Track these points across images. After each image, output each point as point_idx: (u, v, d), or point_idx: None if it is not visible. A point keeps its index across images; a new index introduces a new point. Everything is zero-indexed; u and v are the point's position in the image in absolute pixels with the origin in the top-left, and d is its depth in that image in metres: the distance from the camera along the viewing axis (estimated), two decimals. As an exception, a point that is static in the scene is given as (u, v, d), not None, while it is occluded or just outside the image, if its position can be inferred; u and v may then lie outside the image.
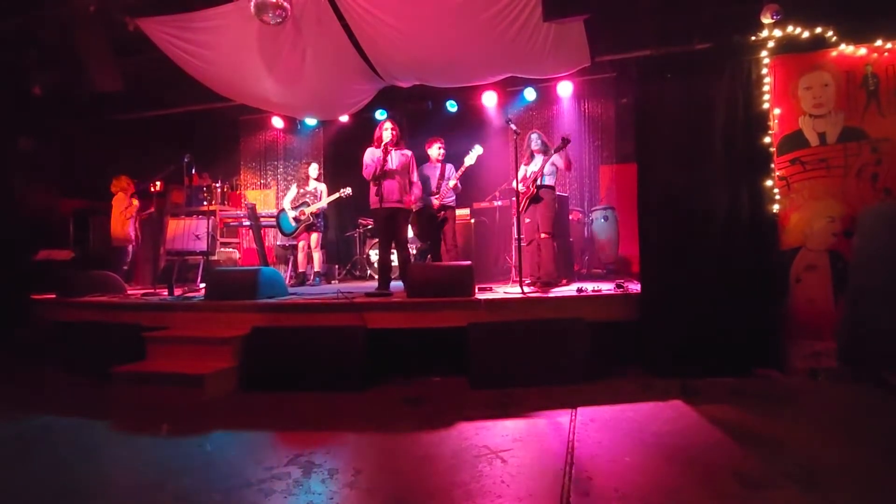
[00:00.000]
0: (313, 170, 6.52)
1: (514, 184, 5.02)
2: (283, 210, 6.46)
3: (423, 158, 5.35)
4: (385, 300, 3.99)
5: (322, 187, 6.36)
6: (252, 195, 8.61)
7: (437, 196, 5.25)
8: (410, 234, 5.45)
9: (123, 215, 6.42)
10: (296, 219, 6.28)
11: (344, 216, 8.04)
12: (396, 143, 4.76)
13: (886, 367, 3.14)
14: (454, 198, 5.29)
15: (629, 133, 6.90)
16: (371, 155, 4.66)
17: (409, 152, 4.82)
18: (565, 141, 4.67)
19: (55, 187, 6.89)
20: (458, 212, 5.71)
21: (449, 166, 5.30)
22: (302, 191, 6.37)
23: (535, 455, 2.34)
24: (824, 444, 2.40)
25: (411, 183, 4.79)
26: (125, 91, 5.54)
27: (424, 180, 5.20)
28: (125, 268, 6.52)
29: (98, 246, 6.48)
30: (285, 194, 8.43)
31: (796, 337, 3.58)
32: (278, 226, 6.55)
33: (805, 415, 2.87)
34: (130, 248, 6.58)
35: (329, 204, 6.36)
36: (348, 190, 6.20)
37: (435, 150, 5.34)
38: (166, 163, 6.95)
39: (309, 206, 6.24)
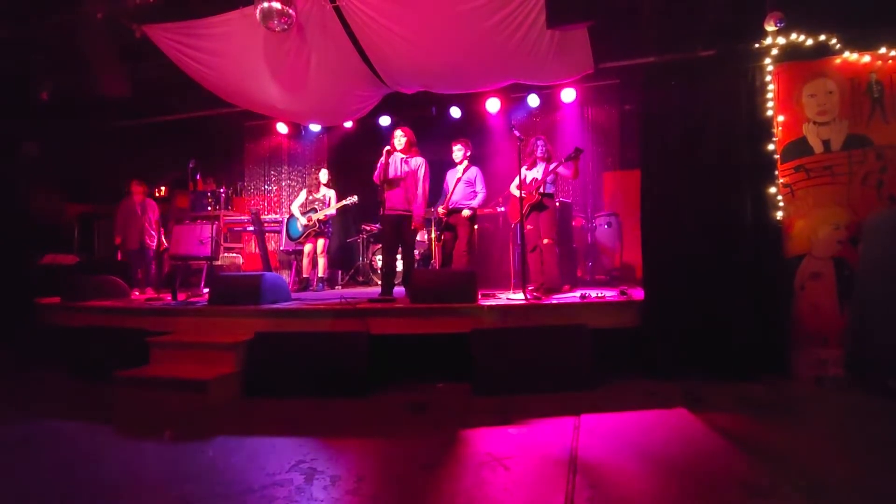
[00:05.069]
0: (323, 175, 6.52)
1: (513, 187, 5.02)
2: (291, 215, 6.48)
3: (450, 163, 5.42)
4: (388, 306, 3.99)
5: (331, 193, 6.37)
6: (255, 201, 8.66)
7: (442, 204, 5.27)
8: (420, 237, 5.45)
9: (147, 218, 6.41)
10: (304, 225, 6.29)
11: (347, 222, 8.06)
12: (409, 150, 4.77)
13: (893, 376, 3.11)
14: (471, 203, 5.16)
15: (632, 140, 6.91)
16: (380, 161, 4.68)
17: (420, 159, 4.81)
18: (578, 151, 4.63)
19: (61, 192, 6.94)
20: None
21: (472, 169, 5.26)
22: (311, 197, 6.38)
23: (539, 462, 2.33)
24: (830, 454, 2.38)
25: (417, 190, 4.75)
26: (131, 97, 5.58)
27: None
28: (146, 271, 6.50)
29: (122, 250, 6.44)
30: (292, 199, 8.52)
31: (802, 345, 3.56)
32: (286, 230, 6.56)
33: (811, 423, 2.84)
34: (151, 252, 6.55)
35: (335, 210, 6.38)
36: (354, 198, 6.21)
37: (455, 153, 5.33)
38: (171, 168, 7.01)
39: (317, 212, 6.26)
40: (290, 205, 8.38)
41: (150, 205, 6.54)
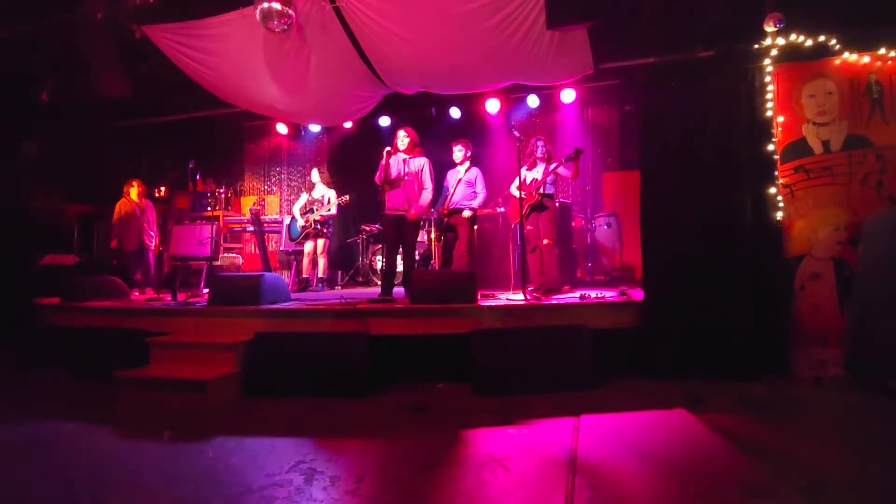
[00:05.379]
0: (314, 175, 6.54)
1: (513, 188, 5.02)
2: (293, 217, 6.50)
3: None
4: (388, 306, 3.99)
5: (330, 193, 6.37)
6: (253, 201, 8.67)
7: (442, 205, 5.28)
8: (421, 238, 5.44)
9: (145, 218, 6.38)
10: (301, 226, 6.31)
11: (347, 222, 8.05)
12: (411, 151, 4.78)
13: (893, 376, 3.11)
14: (472, 204, 5.15)
15: (632, 140, 6.91)
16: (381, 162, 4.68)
17: (423, 159, 4.81)
18: (578, 152, 4.63)
19: (61, 192, 6.93)
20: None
21: (473, 170, 5.27)
22: (310, 198, 6.39)
23: (538, 463, 2.33)
24: (830, 454, 2.38)
25: (421, 189, 4.77)
26: (131, 97, 5.58)
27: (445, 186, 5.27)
28: (145, 272, 6.48)
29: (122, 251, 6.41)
30: (289, 200, 8.54)
31: (801, 345, 3.56)
32: (288, 231, 6.59)
33: (811, 424, 2.84)
34: (151, 252, 6.51)
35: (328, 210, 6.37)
36: (346, 197, 6.22)
37: (456, 154, 5.34)
38: (171, 168, 6.99)
39: (314, 213, 6.27)
40: (289, 205, 8.42)
41: (148, 205, 6.52)
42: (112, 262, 6.29)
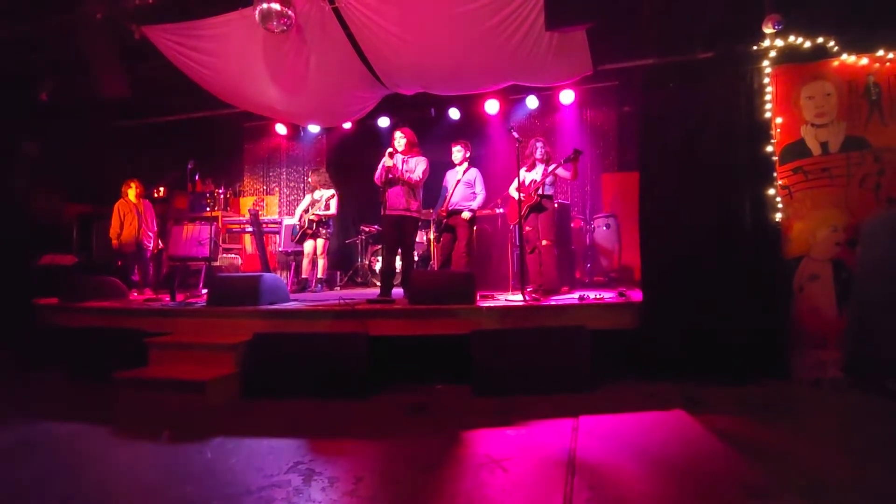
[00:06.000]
0: (311, 177, 6.59)
1: (512, 189, 5.03)
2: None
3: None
4: (387, 307, 3.99)
5: (328, 194, 6.37)
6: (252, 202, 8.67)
7: (442, 206, 5.28)
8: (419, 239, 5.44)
9: (144, 218, 6.36)
10: (300, 226, 6.33)
11: (346, 223, 8.05)
12: (409, 151, 4.79)
13: (892, 377, 3.12)
14: (471, 205, 5.15)
15: (631, 141, 6.92)
16: (381, 162, 4.67)
17: (421, 158, 4.82)
18: (577, 153, 4.63)
19: (61, 192, 6.92)
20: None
21: (471, 170, 5.26)
22: (311, 199, 6.42)
23: (537, 464, 2.33)
24: (830, 454, 2.38)
25: (416, 189, 4.78)
26: (131, 97, 5.58)
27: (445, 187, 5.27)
28: (144, 272, 6.47)
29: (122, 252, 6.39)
30: (288, 200, 8.55)
31: (800, 346, 3.56)
32: (290, 232, 6.63)
33: (810, 425, 2.84)
34: (150, 253, 6.49)
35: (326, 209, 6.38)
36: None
37: (455, 154, 5.34)
38: (171, 168, 6.99)
39: (309, 213, 6.30)
40: (288, 206, 8.45)
41: (147, 205, 6.52)
42: (117, 262, 6.29)
